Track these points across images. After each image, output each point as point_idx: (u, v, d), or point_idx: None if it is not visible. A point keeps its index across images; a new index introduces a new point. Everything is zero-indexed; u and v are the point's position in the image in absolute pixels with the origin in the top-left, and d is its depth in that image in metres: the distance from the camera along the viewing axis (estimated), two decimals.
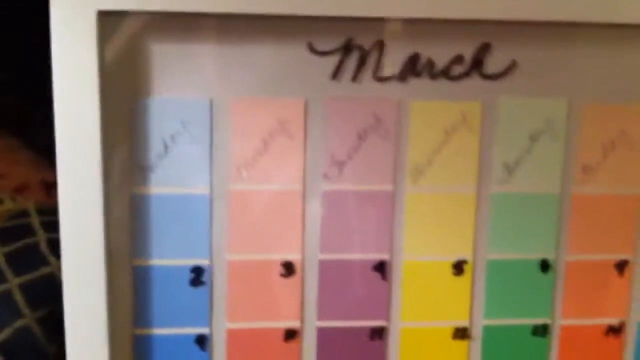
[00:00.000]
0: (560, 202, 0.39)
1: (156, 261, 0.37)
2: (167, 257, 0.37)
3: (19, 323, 0.80)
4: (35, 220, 0.91)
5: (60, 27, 0.33)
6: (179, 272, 0.37)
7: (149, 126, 0.36)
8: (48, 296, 0.87)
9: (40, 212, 0.96)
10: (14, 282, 0.82)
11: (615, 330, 0.40)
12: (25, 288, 0.82)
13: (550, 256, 0.39)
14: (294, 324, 0.38)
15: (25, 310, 0.81)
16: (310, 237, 0.38)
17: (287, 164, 0.37)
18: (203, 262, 0.37)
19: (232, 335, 0.38)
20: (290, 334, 0.38)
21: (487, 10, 0.35)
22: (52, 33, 0.33)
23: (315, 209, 0.38)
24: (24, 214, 0.99)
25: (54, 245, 0.87)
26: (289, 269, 0.38)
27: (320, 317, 0.38)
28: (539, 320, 0.40)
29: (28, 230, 0.92)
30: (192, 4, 0.34)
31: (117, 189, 0.36)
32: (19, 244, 0.88)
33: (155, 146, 0.36)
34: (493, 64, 0.37)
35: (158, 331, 0.37)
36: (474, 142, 0.38)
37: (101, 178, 0.34)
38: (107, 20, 0.34)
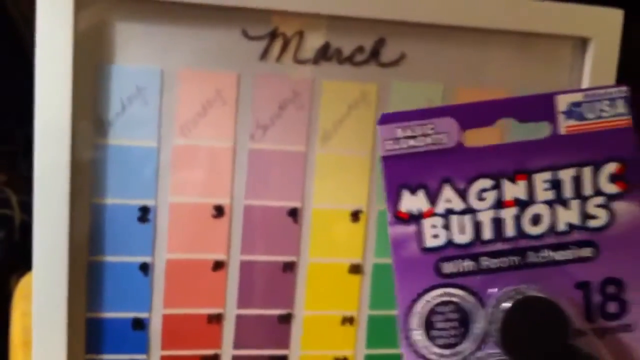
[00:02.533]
0: None
1: (110, 200, 0.45)
2: (120, 197, 0.45)
3: None
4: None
5: (43, 4, 0.41)
6: (129, 210, 0.45)
7: (110, 89, 0.44)
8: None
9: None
10: None
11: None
12: None
13: None
14: (221, 256, 0.47)
15: None
16: (238, 186, 0.46)
17: (221, 126, 0.46)
18: (149, 202, 0.45)
19: (170, 264, 0.46)
20: (218, 265, 0.47)
21: (383, 10, 0.45)
22: (37, 8, 0.41)
23: (242, 164, 0.46)
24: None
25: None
26: (219, 211, 0.46)
27: (243, 251, 0.47)
28: None
29: None
30: None
31: (81, 139, 0.44)
32: None
33: (114, 106, 0.44)
34: (387, 54, 0.47)
35: (110, 259, 0.45)
36: (371, 115, 0.47)
37: (70, 129, 0.42)
38: (83, 2, 0.42)
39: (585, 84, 0.49)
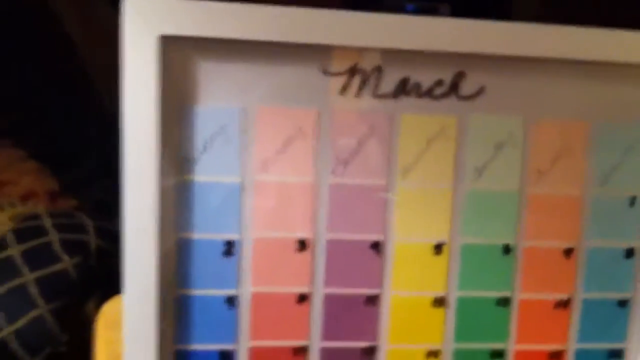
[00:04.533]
0: (519, 198, 0.48)
1: (196, 235, 0.46)
2: (205, 231, 0.46)
3: (33, 313, 0.89)
4: (47, 222, 1.00)
5: (130, 49, 0.43)
6: (214, 244, 0.46)
7: (193, 128, 0.45)
8: (60, 290, 0.95)
9: (51, 215, 1.05)
10: (29, 276, 0.91)
11: (564, 304, 0.50)
12: (39, 282, 0.90)
13: (511, 242, 0.49)
14: (305, 289, 0.47)
15: (39, 301, 0.90)
16: (320, 221, 0.47)
17: (302, 161, 0.47)
18: (234, 237, 0.46)
19: (255, 297, 0.47)
20: (302, 298, 0.47)
21: (462, 43, 0.45)
22: (124, 53, 0.43)
23: (324, 198, 0.47)
24: (36, 216, 1.08)
25: (65, 245, 0.95)
26: (302, 245, 0.47)
27: (327, 284, 0.47)
28: (502, 294, 0.49)
29: (41, 231, 1.00)
30: (232, 32, 0.44)
31: (167, 176, 0.45)
32: (33, 242, 0.97)
33: (198, 144, 0.46)
34: (466, 87, 0.47)
35: (197, 292, 0.46)
36: (451, 149, 0.47)
37: (157, 167, 0.44)
38: (166, 42, 0.44)
39: None
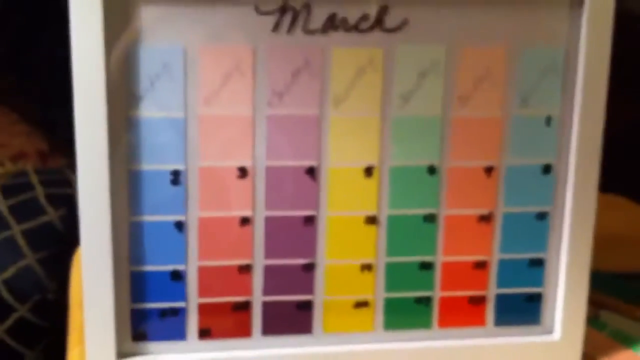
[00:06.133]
0: (443, 122, 0.52)
1: (145, 166, 0.50)
2: (154, 163, 0.50)
3: (21, 263, 0.93)
4: (34, 179, 1.04)
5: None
6: (162, 175, 0.50)
7: (139, 68, 0.49)
8: (47, 241, 1.00)
9: (38, 172, 1.09)
10: (16, 229, 0.95)
11: (487, 218, 0.54)
12: (26, 233, 0.95)
13: (436, 163, 0.53)
14: (247, 213, 0.52)
15: (27, 252, 0.94)
16: (259, 149, 0.51)
17: (241, 95, 0.50)
18: (180, 167, 0.50)
19: (202, 221, 0.51)
20: (245, 221, 0.52)
21: None
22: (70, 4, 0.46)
23: (262, 129, 0.51)
24: (24, 173, 1.12)
25: (50, 198, 0.99)
26: (243, 172, 0.51)
27: (267, 208, 0.52)
28: (429, 211, 0.54)
29: (28, 187, 1.04)
30: None
31: (116, 113, 0.49)
32: (20, 197, 1.01)
33: (144, 83, 0.49)
34: (390, 20, 0.50)
35: (148, 218, 0.51)
36: (379, 79, 0.51)
37: (105, 104, 0.48)
38: None
39: (582, 40, 0.51)
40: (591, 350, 0.57)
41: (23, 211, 1.00)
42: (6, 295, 0.95)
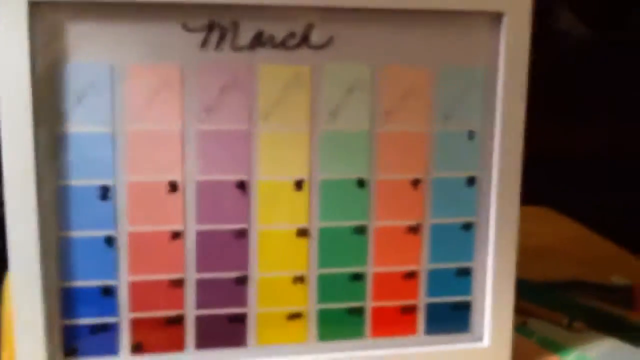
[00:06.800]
0: (370, 137, 0.54)
1: (74, 182, 0.50)
2: (82, 178, 0.50)
3: None
4: None
5: (1, 16, 0.46)
6: (90, 190, 0.50)
7: (66, 84, 0.49)
8: None
9: None
10: None
11: (415, 229, 0.56)
12: None
13: (365, 176, 0.54)
14: (178, 227, 0.52)
15: None
16: (189, 164, 0.52)
17: (170, 111, 0.51)
18: (108, 182, 0.51)
19: (132, 236, 0.51)
20: (176, 235, 0.52)
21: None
22: None
23: (192, 144, 0.52)
24: None
25: None
26: (173, 187, 0.52)
27: (198, 222, 0.52)
28: (359, 223, 0.55)
29: None
30: None
31: (44, 129, 0.49)
32: None
33: (71, 99, 0.49)
34: (316, 38, 0.52)
35: (77, 234, 0.51)
36: (306, 95, 0.52)
37: (32, 121, 0.48)
38: (35, 7, 0.47)
39: (502, 59, 0.53)
40: (520, 357, 0.59)
41: None
42: None
